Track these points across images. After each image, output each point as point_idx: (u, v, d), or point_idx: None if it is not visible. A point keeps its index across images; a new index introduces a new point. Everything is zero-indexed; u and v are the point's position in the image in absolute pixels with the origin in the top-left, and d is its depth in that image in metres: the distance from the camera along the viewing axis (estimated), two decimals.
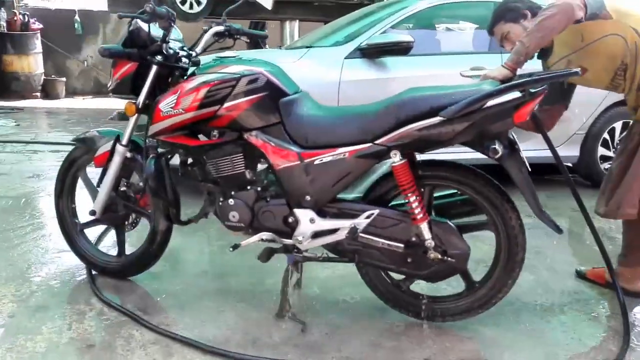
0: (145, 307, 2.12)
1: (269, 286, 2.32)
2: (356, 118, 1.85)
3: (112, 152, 2.14)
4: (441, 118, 1.71)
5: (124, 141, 2.12)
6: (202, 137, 2.01)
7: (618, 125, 4.05)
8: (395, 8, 3.93)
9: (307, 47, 3.74)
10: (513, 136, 1.81)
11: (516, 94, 1.69)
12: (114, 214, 2.24)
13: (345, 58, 3.53)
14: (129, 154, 2.14)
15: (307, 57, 3.51)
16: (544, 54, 2.21)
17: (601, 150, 4.08)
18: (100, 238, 2.72)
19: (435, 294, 2.09)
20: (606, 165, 4.11)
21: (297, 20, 7.74)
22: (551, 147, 2.03)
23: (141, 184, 2.25)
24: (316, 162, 1.86)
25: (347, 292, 2.28)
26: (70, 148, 2.39)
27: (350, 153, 1.83)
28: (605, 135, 4.07)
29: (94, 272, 2.36)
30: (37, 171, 4.31)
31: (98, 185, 2.20)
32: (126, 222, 2.30)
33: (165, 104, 1.94)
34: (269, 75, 1.93)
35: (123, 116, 7.77)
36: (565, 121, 3.83)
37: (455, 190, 2.00)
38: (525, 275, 2.04)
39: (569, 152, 4.03)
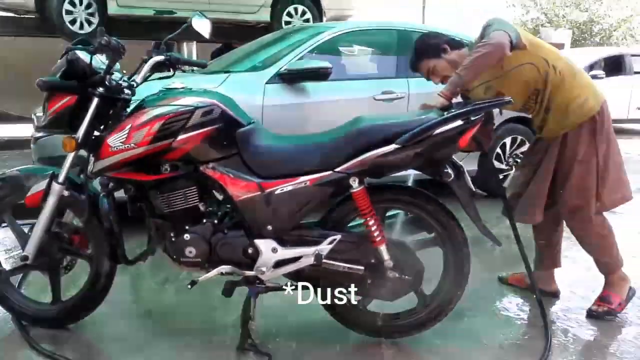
0: (95, 356, 1.97)
1: (218, 320, 2.28)
2: (314, 147, 1.91)
3: (47, 190, 1.97)
4: (397, 145, 1.82)
5: (61, 179, 1.97)
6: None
7: (508, 141, 4.52)
8: (308, 34, 4.07)
9: (225, 71, 3.73)
10: (457, 161, 1.97)
11: (459, 122, 1.86)
12: (48, 258, 2.06)
13: (266, 83, 3.58)
14: (66, 192, 1.99)
15: (229, 83, 3.49)
16: None
17: (496, 164, 4.52)
18: (20, 284, 2.47)
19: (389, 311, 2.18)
20: (500, 176, 4.58)
21: (195, 42, 7.63)
22: (491, 163, 2.26)
23: (75, 223, 2.11)
24: (277, 191, 1.88)
25: (301, 318, 2.30)
26: None
27: (311, 181, 1.87)
28: (498, 150, 4.52)
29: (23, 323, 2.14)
30: None
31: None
32: (60, 266, 2.12)
33: (115, 138, 1.84)
34: (223, 107, 1.92)
35: (2, 145, 7.06)
36: None
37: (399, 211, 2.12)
38: None
39: (468, 166, 4.38)
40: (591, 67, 9.17)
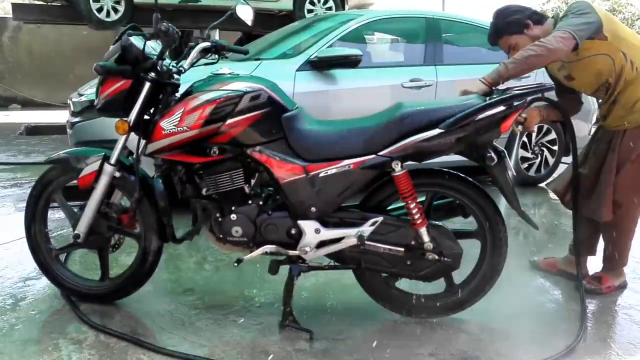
0: (142, 330, 2.06)
1: (258, 298, 2.35)
2: (359, 132, 1.96)
3: (99, 171, 2.05)
4: (440, 130, 1.87)
5: (113, 160, 2.05)
6: None
7: (534, 129, 4.52)
8: (337, 22, 4.10)
9: (255, 59, 3.78)
10: (498, 145, 2.01)
11: (502, 108, 1.90)
12: (98, 237, 2.15)
13: (296, 70, 3.63)
14: (117, 174, 2.07)
15: (260, 69, 3.55)
16: None
17: (521, 152, 4.54)
18: (65, 262, 2.56)
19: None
20: (526, 165, 4.60)
21: (218, 30, 7.68)
22: (572, 134, 2.34)
23: (122, 203, 2.19)
24: (321, 174, 1.94)
25: (337, 297, 2.38)
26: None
27: (355, 165, 1.93)
28: (524, 139, 4.53)
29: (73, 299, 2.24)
30: None
31: None
32: (109, 244, 2.21)
33: (168, 122, 1.91)
34: (270, 92, 1.98)
35: (31, 131, 7.29)
36: None
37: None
38: None
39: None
40: None
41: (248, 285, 2.48)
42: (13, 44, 9.43)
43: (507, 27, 2.29)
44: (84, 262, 2.65)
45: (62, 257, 2.49)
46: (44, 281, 2.36)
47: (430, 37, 4.21)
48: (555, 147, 4.64)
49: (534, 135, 4.55)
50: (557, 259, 2.70)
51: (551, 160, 4.67)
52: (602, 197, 2.32)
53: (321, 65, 3.66)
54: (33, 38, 9.81)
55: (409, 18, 4.34)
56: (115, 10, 6.41)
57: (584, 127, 4.55)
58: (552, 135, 4.62)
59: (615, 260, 2.48)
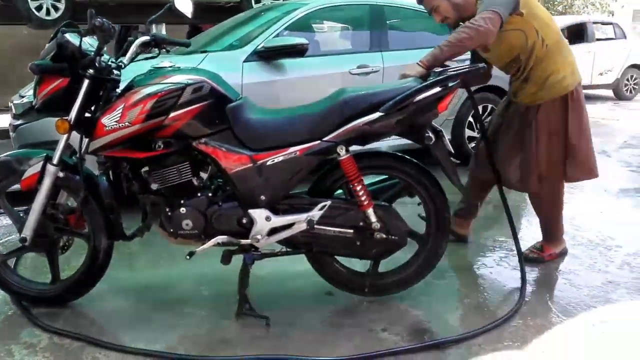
0: (97, 329, 2.05)
1: (214, 290, 2.38)
2: (302, 118, 2.00)
3: (42, 173, 2.01)
4: (380, 113, 1.93)
5: (55, 160, 2.02)
6: None
7: (479, 109, 4.67)
8: (282, 11, 4.11)
9: (202, 51, 3.75)
10: (436, 125, 2.09)
11: (438, 89, 1.97)
12: (46, 239, 2.11)
13: (244, 61, 3.63)
14: (61, 174, 2.04)
15: (207, 62, 3.53)
16: (465, 21, 2.32)
17: (468, 132, 4.68)
18: (15, 267, 2.51)
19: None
20: (472, 144, 4.74)
21: (164, 24, 7.56)
22: (475, 108, 2.55)
23: (69, 203, 2.16)
24: (268, 162, 1.97)
25: (291, 283, 2.42)
26: None
27: (300, 151, 1.97)
28: (470, 119, 4.67)
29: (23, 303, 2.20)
30: None
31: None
32: (57, 246, 2.18)
33: (109, 118, 1.90)
34: (212, 83, 1.99)
35: None
36: None
37: (385, 176, 2.24)
38: None
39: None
40: None
41: (204, 277, 2.49)
42: None
43: None
44: (36, 266, 2.60)
45: (12, 262, 2.45)
46: None
47: (375, 23, 4.28)
48: None
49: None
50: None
51: None
52: (528, 169, 2.41)
53: (268, 56, 3.67)
54: None
55: (354, 5, 4.38)
56: (56, 8, 6.20)
57: None
58: None
59: (551, 232, 2.63)
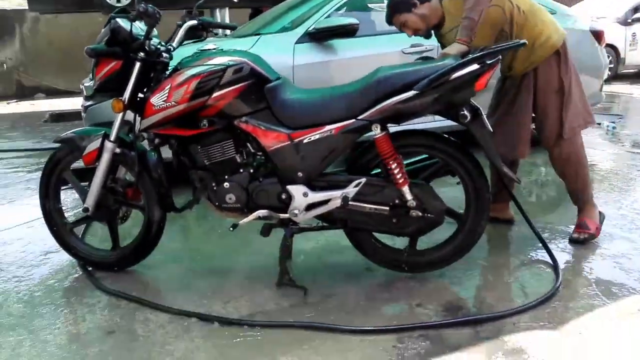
0: (151, 292, 2.23)
1: (259, 261, 2.50)
2: (338, 98, 2.05)
3: (100, 149, 2.20)
4: (415, 92, 1.94)
5: (112, 137, 2.20)
6: None
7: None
8: None
9: (255, 34, 3.86)
10: (474, 103, 2.07)
11: (475, 66, 1.95)
12: (106, 210, 2.31)
13: (295, 43, 3.70)
14: (118, 150, 2.22)
15: (259, 45, 3.63)
16: (436, 27, 2.51)
17: None
18: (83, 235, 2.76)
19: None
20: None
21: (227, 8, 7.76)
22: None
23: (127, 178, 2.35)
24: (305, 140, 2.05)
25: (334, 258, 2.51)
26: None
27: (336, 130, 2.03)
28: None
29: (88, 268, 2.43)
30: None
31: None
32: (117, 216, 2.38)
33: (157, 98, 2.04)
34: (252, 64, 2.08)
35: (55, 118, 7.52)
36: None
37: (425, 155, 2.25)
38: None
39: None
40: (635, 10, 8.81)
41: (252, 250, 2.62)
42: (33, 35, 9.71)
43: (397, 7, 2.45)
44: (103, 235, 2.84)
45: (81, 231, 2.70)
46: (64, 254, 2.55)
47: None
48: None
49: None
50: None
51: None
52: (517, 136, 2.48)
53: (319, 37, 3.72)
54: (51, 28, 10.07)
55: None
56: None
57: (594, 84, 4.49)
58: None
59: (584, 199, 2.58)
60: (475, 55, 1.97)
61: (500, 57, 1.99)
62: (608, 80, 7.25)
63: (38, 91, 10.57)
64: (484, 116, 2.04)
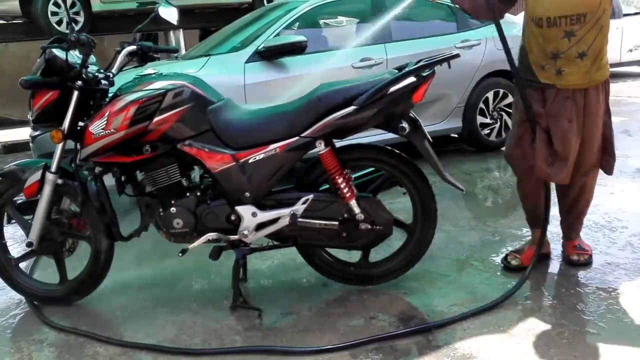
0: (100, 325, 2.17)
1: (213, 285, 2.47)
2: (280, 116, 2.06)
3: (41, 181, 2.15)
4: (355, 107, 1.97)
5: (53, 168, 2.15)
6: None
7: (490, 95, 4.62)
8: (283, 10, 4.18)
9: (205, 55, 3.86)
10: (414, 115, 2.11)
11: (412, 79, 2.00)
12: (51, 243, 2.25)
13: (245, 62, 3.72)
14: (59, 181, 2.17)
15: (209, 65, 3.64)
16: None
17: (479, 119, 4.64)
18: (32, 270, 2.67)
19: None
20: (486, 131, 4.69)
21: (181, 29, 7.73)
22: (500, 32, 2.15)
23: (72, 208, 2.30)
24: (250, 160, 2.05)
25: (290, 275, 2.50)
26: None
27: (280, 148, 2.03)
28: (481, 105, 4.62)
29: (36, 303, 2.35)
30: None
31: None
32: (63, 249, 2.31)
33: (96, 126, 2.01)
34: (192, 87, 2.07)
35: (8, 149, 7.27)
36: (445, 97, 4.38)
37: (372, 169, 2.28)
38: (437, 234, 2.37)
39: (454, 124, 4.56)
40: None
41: (206, 275, 2.59)
42: None
43: None
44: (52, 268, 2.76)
45: (29, 267, 2.62)
46: (10, 291, 2.46)
47: (377, 15, 4.28)
48: None
49: (490, 101, 4.64)
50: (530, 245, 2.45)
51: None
52: (569, 161, 2.15)
53: (269, 55, 3.74)
54: (1, 57, 9.85)
55: None
56: (75, 22, 6.45)
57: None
58: (510, 99, 4.71)
59: (581, 223, 2.45)
60: (411, 69, 2.01)
61: (434, 69, 2.03)
62: None
63: None
64: (422, 126, 2.08)
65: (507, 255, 2.44)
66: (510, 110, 4.71)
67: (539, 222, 2.40)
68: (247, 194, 2.09)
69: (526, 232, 2.68)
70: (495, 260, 2.52)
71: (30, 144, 3.81)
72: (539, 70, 2.16)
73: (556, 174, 2.18)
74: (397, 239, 2.30)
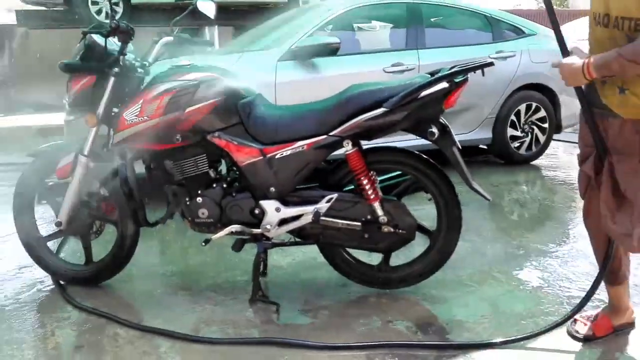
0: (122, 308, 2.22)
1: (234, 277, 2.49)
2: (310, 114, 2.08)
3: (74, 163, 2.20)
4: (385, 109, 1.97)
5: (86, 152, 2.20)
6: None
7: (523, 108, 4.56)
8: (318, 12, 4.20)
9: (239, 51, 3.90)
10: (444, 120, 2.10)
11: (444, 84, 1.98)
12: (79, 224, 2.31)
13: (278, 61, 3.74)
14: (91, 164, 2.22)
15: (242, 62, 3.67)
16: None
17: (510, 131, 4.57)
18: (58, 250, 2.73)
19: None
20: (516, 144, 4.62)
21: (216, 26, 7.84)
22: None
23: (102, 192, 2.35)
24: (277, 156, 2.06)
25: (310, 274, 2.50)
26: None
27: (308, 145, 2.04)
28: (513, 117, 4.56)
29: (62, 283, 2.41)
30: None
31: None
32: (90, 231, 2.37)
33: (130, 112, 2.05)
34: (225, 80, 2.10)
35: (43, 133, 7.41)
36: (477, 107, 4.34)
37: (399, 172, 2.27)
38: (461, 243, 2.35)
39: (483, 134, 4.51)
40: None
41: (228, 266, 2.61)
42: (23, 50, 9.73)
43: None
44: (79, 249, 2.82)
45: (55, 245, 2.67)
46: (37, 269, 2.52)
47: (412, 21, 4.28)
48: (546, 125, 4.66)
49: (522, 114, 4.58)
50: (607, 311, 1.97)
51: (542, 138, 4.70)
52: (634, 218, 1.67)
53: (302, 55, 3.76)
54: (41, 44, 10.12)
55: (390, 4, 4.41)
56: (115, 12, 6.60)
57: (575, 103, 4.55)
58: (542, 113, 4.64)
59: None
60: (444, 74, 2.00)
61: (467, 76, 2.01)
62: None
63: (27, 106, 10.54)
64: (452, 132, 2.07)
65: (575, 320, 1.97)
66: (541, 124, 4.68)
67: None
68: (272, 189, 2.10)
69: (552, 247, 2.64)
70: (519, 274, 2.48)
71: (64, 128, 3.90)
72: (600, 85, 1.69)
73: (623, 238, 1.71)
74: (419, 245, 2.28)
